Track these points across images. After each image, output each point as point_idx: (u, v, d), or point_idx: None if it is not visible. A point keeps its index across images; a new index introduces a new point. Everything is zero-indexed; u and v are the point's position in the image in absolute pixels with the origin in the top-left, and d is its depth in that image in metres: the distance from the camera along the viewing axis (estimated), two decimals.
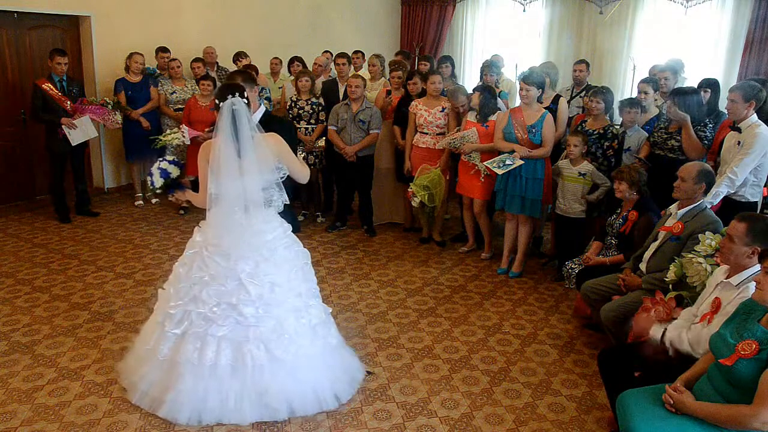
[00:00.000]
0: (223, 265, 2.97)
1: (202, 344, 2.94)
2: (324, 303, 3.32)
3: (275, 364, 2.95)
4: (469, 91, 5.44)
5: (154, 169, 3.21)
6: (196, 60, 6.81)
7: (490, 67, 5.94)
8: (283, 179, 3.04)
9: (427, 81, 5.47)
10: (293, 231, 3.24)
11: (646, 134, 4.64)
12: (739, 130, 3.95)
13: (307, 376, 3.04)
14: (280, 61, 7.34)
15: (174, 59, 6.68)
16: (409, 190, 5.33)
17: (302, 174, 3.17)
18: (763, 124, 3.91)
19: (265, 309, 2.96)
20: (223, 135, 2.85)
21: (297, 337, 3.01)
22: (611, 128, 4.78)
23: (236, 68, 6.36)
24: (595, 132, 4.79)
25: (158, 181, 3.18)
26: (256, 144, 2.88)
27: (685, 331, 2.67)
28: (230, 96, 2.86)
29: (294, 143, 3.39)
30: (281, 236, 3.10)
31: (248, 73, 3.52)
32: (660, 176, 4.07)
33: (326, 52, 7.39)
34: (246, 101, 2.92)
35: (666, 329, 2.69)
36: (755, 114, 3.95)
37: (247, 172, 2.87)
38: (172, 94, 6.62)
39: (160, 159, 3.27)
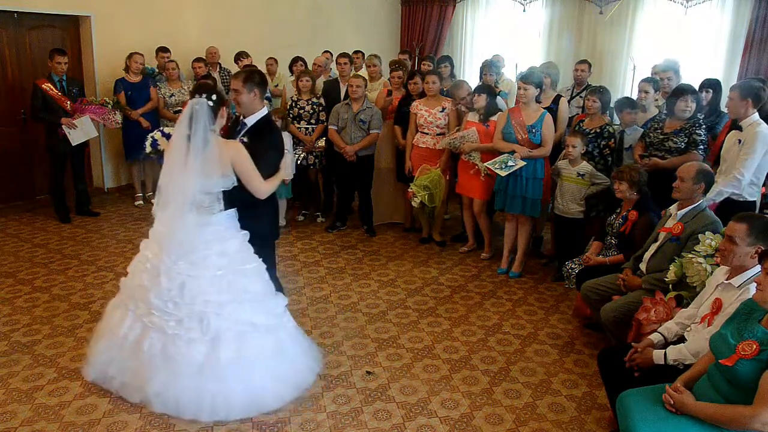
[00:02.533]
0: (154, 251, 3.09)
1: (122, 315, 3.13)
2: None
3: (165, 362, 2.97)
4: None
5: (149, 136, 3.49)
6: (198, 60, 6.81)
7: (489, 67, 5.94)
8: (228, 189, 2.99)
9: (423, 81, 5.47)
10: (271, 238, 3.28)
11: None
12: (740, 129, 3.95)
13: (191, 384, 2.94)
14: (276, 61, 7.42)
15: (171, 61, 6.66)
16: (409, 190, 5.33)
17: (259, 189, 3.10)
18: (764, 122, 3.90)
19: (174, 305, 2.98)
20: (178, 131, 2.93)
21: (194, 343, 2.95)
22: (608, 127, 4.78)
23: (237, 68, 6.36)
24: (592, 131, 4.79)
25: (147, 147, 3.48)
26: (210, 147, 2.88)
27: (683, 345, 2.67)
28: (197, 95, 2.91)
29: (274, 157, 3.28)
30: (217, 241, 3.03)
31: (253, 74, 3.36)
32: (658, 177, 4.06)
33: (326, 52, 7.40)
34: (212, 102, 2.91)
35: (666, 352, 2.68)
36: (756, 113, 3.94)
37: (190, 172, 2.88)
38: (170, 96, 6.60)
39: (159, 129, 3.49)
